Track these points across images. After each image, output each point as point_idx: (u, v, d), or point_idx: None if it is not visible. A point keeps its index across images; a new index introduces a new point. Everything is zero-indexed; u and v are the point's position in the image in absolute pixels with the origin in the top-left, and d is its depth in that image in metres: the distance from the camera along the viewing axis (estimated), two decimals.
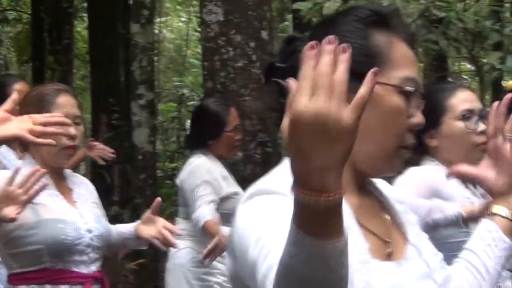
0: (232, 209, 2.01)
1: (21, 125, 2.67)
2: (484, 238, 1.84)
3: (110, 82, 10.65)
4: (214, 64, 5.96)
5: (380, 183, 1.87)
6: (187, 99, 15.58)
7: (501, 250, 1.83)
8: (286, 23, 18.44)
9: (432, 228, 2.88)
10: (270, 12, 6.50)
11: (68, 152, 3.43)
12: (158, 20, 17.96)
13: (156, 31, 16.19)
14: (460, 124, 3.08)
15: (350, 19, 1.69)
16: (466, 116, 3.07)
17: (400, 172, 2.15)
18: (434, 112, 3.09)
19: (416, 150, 3.18)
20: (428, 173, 3.12)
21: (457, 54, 7.17)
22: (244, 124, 5.53)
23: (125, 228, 3.63)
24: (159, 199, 3.59)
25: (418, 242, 1.76)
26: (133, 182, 8.34)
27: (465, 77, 19.01)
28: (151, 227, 3.50)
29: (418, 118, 1.69)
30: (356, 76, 1.61)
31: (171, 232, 3.51)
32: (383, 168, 1.72)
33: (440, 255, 1.81)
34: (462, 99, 3.11)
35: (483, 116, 3.07)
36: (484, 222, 1.88)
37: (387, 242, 1.70)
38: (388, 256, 1.68)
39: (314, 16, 5.78)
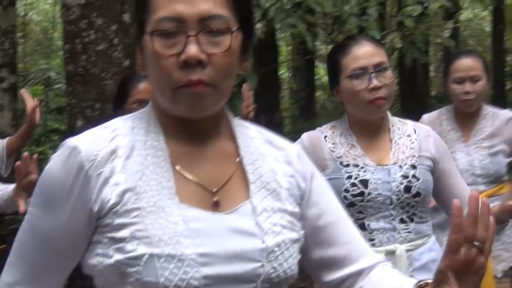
0: None
1: None
2: None
3: None
4: (75, 47, 5.88)
5: (269, 139, 1.86)
6: (53, 82, 15.34)
7: None
8: None
9: None
10: None
11: None
12: (24, 2, 17.60)
13: (22, 13, 15.87)
14: (351, 83, 3.18)
15: None
16: (355, 74, 3.16)
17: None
18: (334, 71, 3.26)
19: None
20: (306, 135, 3.36)
21: (315, 38, 7.34)
22: (106, 108, 5.54)
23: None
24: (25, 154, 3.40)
25: (262, 203, 1.73)
26: None
27: None
28: None
29: (184, 54, 1.63)
30: (137, 27, 1.73)
31: None
32: (178, 110, 1.69)
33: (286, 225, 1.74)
34: (354, 58, 3.19)
35: (381, 69, 3.16)
36: None
37: (213, 192, 1.70)
38: (214, 206, 1.69)
39: None
